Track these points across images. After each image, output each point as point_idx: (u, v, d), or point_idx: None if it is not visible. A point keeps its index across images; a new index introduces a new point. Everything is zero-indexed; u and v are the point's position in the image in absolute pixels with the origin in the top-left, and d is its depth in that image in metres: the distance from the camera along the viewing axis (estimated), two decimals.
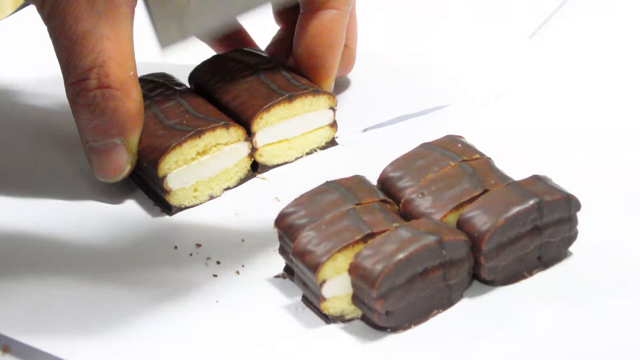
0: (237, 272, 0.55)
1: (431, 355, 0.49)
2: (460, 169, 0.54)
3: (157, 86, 0.63)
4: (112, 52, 0.57)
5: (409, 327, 0.51)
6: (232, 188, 0.62)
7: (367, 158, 0.62)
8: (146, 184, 0.61)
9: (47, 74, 0.69)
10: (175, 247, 0.57)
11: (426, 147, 0.56)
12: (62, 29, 0.57)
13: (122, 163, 0.59)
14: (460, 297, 0.52)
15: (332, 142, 0.65)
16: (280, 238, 0.53)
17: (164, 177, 0.59)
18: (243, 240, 0.57)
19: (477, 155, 0.55)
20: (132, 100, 0.58)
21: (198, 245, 0.57)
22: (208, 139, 0.60)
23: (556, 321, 0.50)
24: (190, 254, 0.56)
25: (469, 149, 0.56)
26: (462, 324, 0.51)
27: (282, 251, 0.53)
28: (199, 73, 0.66)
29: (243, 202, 0.60)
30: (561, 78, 0.69)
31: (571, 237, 0.53)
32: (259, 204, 0.60)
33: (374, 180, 0.55)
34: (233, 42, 0.68)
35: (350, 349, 0.50)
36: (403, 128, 0.65)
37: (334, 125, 0.64)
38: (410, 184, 0.54)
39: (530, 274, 0.53)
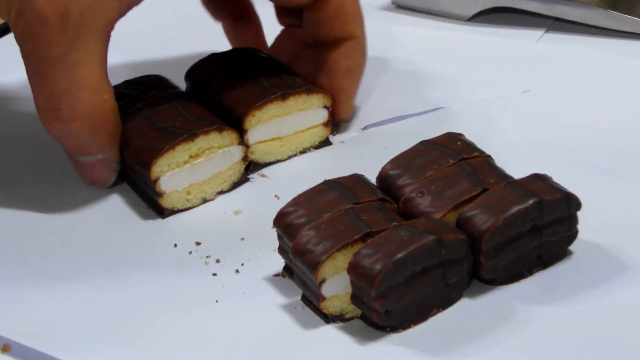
0: (237, 271, 0.55)
1: (431, 355, 0.49)
2: (460, 168, 0.54)
3: (149, 88, 0.63)
4: (85, 79, 0.56)
5: (408, 326, 0.50)
6: (225, 192, 0.61)
7: (366, 156, 0.62)
8: (139, 187, 0.61)
9: None
10: (175, 245, 0.57)
11: (425, 144, 0.56)
12: (34, 53, 0.55)
13: (107, 174, 0.60)
14: (460, 296, 0.52)
15: (326, 142, 0.64)
16: (280, 238, 0.53)
17: (157, 179, 0.58)
18: (243, 239, 0.57)
19: (476, 153, 0.55)
20: (109, 120, 0.58)
21: (197, 244, 0.57)
22: (201, 142, 0.59)
23: (556, 320, 0.50)
24: (190, 252, 0.56)
25: (469, 146, 0.56)
26: (462, 323, 0.51)
27: (282, 251, 0.53)
28: (196, 71, 0.65)
29: (243, 200, 0.60)
30: (561, 77, 0.69)
31: (571, 236, 0.53)
32: (259, 202, 0.60)
33: (373, 179, 0.55)
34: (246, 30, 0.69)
35: (350, 348, 0.50)
36: (402, 126, 0.65)
37: (328, 124, 0.64)
38: (410, 182, 0.54)
39: (530, 273, 0.53)
